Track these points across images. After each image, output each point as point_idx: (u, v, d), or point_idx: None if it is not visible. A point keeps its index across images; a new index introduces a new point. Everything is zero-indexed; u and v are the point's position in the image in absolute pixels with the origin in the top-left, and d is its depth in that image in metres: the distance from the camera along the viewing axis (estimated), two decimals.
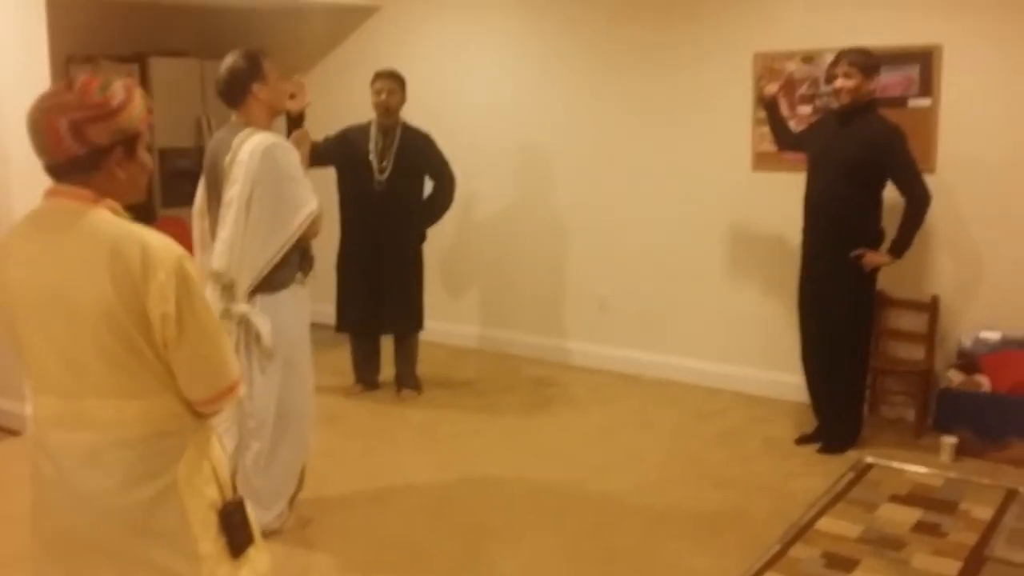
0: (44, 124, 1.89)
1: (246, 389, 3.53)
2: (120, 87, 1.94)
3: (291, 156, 3.72)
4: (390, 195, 5.47)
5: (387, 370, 5.88)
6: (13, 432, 5.14)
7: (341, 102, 6.37)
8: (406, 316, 5.70)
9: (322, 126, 5.46)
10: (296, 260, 3.79)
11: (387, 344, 5.82)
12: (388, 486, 4.47)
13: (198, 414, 2.02)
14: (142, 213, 6.79)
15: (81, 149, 1.89)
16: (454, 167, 5.66)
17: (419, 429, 5.25)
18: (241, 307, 3.64)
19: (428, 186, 5.69)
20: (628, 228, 6.15)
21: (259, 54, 3.77)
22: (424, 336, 5.94)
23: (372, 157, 5.47)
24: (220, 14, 7.63)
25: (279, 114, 3.95)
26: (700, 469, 4.68)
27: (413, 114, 5.66)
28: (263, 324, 3.64)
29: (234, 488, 2.09)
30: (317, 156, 5.20)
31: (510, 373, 6.30)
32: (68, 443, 1.95)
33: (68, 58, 6.88)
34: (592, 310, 6.36)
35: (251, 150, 3.59)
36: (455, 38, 6.70)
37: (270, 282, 3.68)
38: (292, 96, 4.14)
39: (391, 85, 5.46)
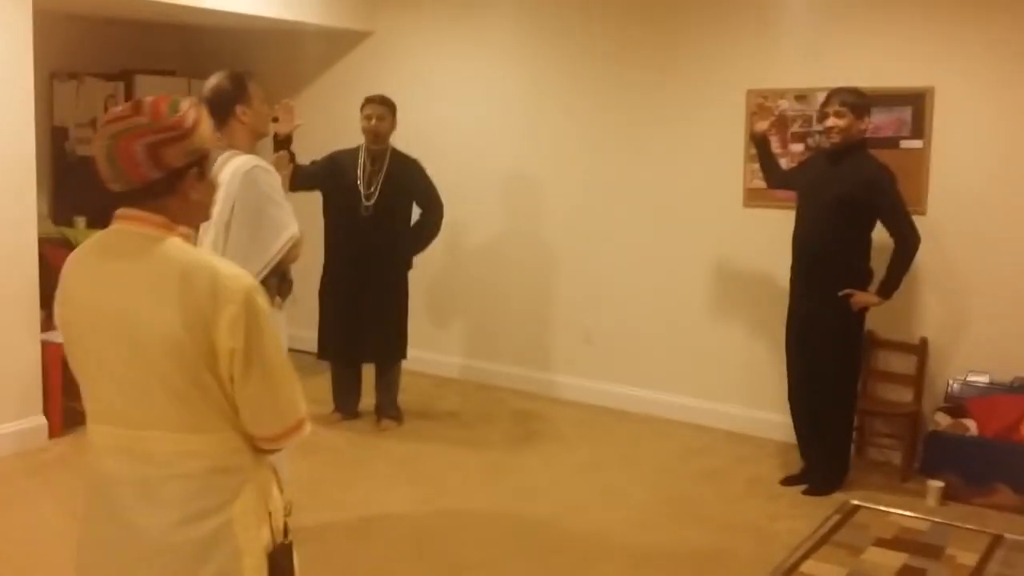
0: (119, 150, 1.81)
1: None
2: (188, 106, 1.88)
3: (272, 179, 3.69)
4: (377, 221, 5.41)
5: (367, 399, 5.79)
6: None
7: (330, 126, 6.32)
8: (389, 344, 5.62)
9: (311, 150, 5.41)
10: (275, 284, 3.73)
11: (368, 372, 5.74)
12: (366, 519, 4.38)
13: (260, 450, 1.95)
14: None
15: (158, 173, 1.83)
16: (444, 195, 5.62)
17: (399, 461, 5.16)
18: None
19: (416, 213, 5.64)
20: (616, 261, 6.11)
21: (244, 76, 3.76)
22: (407, 365, 5.86)
23: (360, 182, 5.41)
24: (208, 34, 7.58)
25: (262, 137, 3.92)
26: (684, 508, 4.61)
27: (403, 140, 5.62)
28: None
29: (285, 532, 2.00)
30: (303, 180, 5.16)
31: (494, 405, 6.22)
32: (124, 475, 1.87)
33: (52, 74, 6.83)
34: (578, 343, 6.31)
35: (232, 172, 3.56)
36: (447, 66, 6.67)
37: None
38: (275, 119, 4.08)
39: (381, 111, 5.42)
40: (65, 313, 1.93)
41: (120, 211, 1.89)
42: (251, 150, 3.75)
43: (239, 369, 1.83)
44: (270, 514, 1.96)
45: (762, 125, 4.94)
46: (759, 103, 5.03)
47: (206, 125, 1.90)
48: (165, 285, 1.81)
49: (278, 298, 3.79)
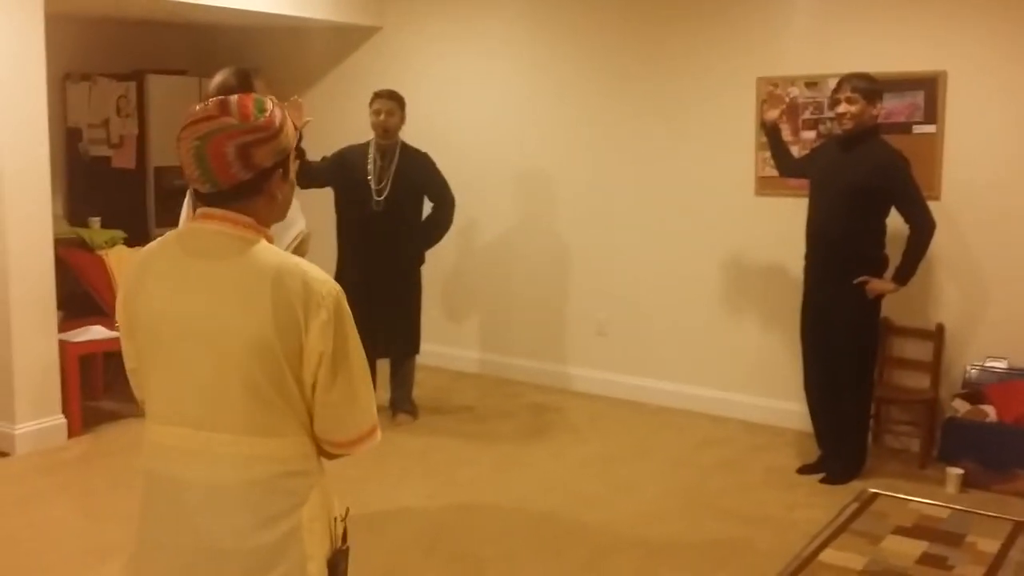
0: (210, 151, 1.79)
1: None
2: (273, 106, 1.87)
3: None
4: (388, 216, 5.41)
5: (382, 394, 5.79)
6: (3, 453, 5.06)
7: (340, 122, 6.33)
8: (403, 339, 5.62)
9: (321, 146, 5.42)
10: None
11: (383, 367, 5.74)
12: (381, 513, 4.37)
13: (327, 455, 1.94)
14: (135, 232, 6.69)
15: (248, 174, 1.82)
16: (456, 190, 5.61)
17: (414, 455, 5.16)
18: None
19: (427, 207, 5.64)
20: (629, 253, 6.09)
21: (250, 73, 3.77)
22: (422, 360, 5.87)
23: (370, 178, 5.41)
24: (219, 32, 7.60)
25: None
26: (700, 499, 4.59)
27: (413, 136, 5.61)
28: None
29: (344, 537, 1.99)
30: (314, 176, 5.16)
31: (509, 399, 6.22)
32: (191, 479, 1.83)
33: (65, 75, 6.86)
34: (592, 336, 6.29)
35: None
36: (456, 61, 6.66)
37: None
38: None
39: (390, 106, 5.42)
40: (138, 310, 1.89)
41: (204, 210, 1.86)
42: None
43: (325, 373, 1.82)
44: (334, 520, 1.95)
45: (773, 113, 4.91)
46: (770, 91, 5.00)
47: (290, 125, 1.89)
48: (257, 287, 1.79)
49: None
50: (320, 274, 1.85)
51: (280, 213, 1.96)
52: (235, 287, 1.81)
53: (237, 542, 1.82)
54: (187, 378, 1.83)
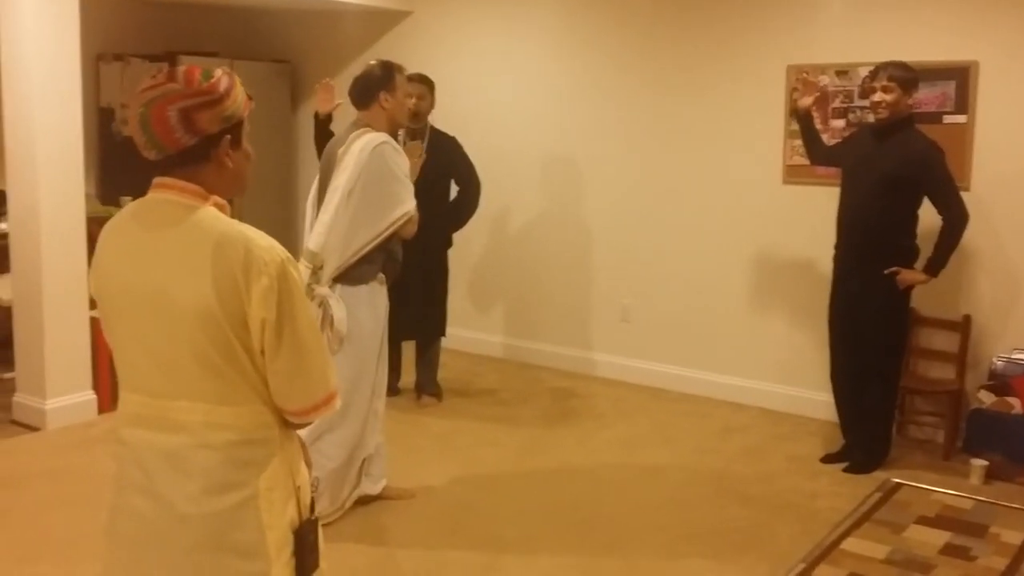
0: (153, 116, 1.81)
1: None
2: (222, 73, 1.88)
3: (400, 158, 3.98)
4: (416, 199, 5.41)
5: (408, 376, 5.84)
6: (34, 428, 5.14)
7: (352, 104, 6.34)
8: (429, 322, 5.66)
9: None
10: (380, 260, 4.02)
11: (409, 349, 5.78)
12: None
13: (289, 424, 1.95)
14: None
15: (192, 139, 1.83)
16: (483, 175, 5.63)
17: (438, 437, 5.20)
18: (323, 289, 3.82)
19: (453, 190, 5.66)
20: (654, 239, 6.09)
21: (395, 67, 4.08)
22: (447, 343, 5.90)
23: None
24: (251, 15, 7.65)
25: (400, 127, 4.31)
26: (724, 486, 4.61)
27: (443, 120, 5.63)
28: (339, 309, 3.80)
29: (312, 508, 2.01)
30: None
31: (532, 383, 6.24)
32: (151, 443, 1.88)
33: (98, 56, 6.92)
34: (616, 322, 6.31)
35: (363, 144, 3.86)
36: (487, 45, 6.67)
37: (352, 275, 3.90)
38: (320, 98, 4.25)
39: (420, 89, 5.43)
40: (100, 283, 1.94)
41: (156, 179, 1.89)
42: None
43: (270, 341, 1.83)
44: (297, 489, 1.95)
45: (806, 101, 4.87)
46: (802, 78, 4.97)
47: (239, 92, 1.89)
48: (198, 254, 1.81)
49: (381, 275, 4.05)
50: (266, 241, 1.85)
51: (235, 184, 1.94)
52: (179, 255, 1.82)
53: (193, 507, 1.85)
54: (144, 347, 1.87)
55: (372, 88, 4.00)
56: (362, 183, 3.82)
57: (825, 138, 5.13)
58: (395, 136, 4.18)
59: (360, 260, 3.89)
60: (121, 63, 6.92)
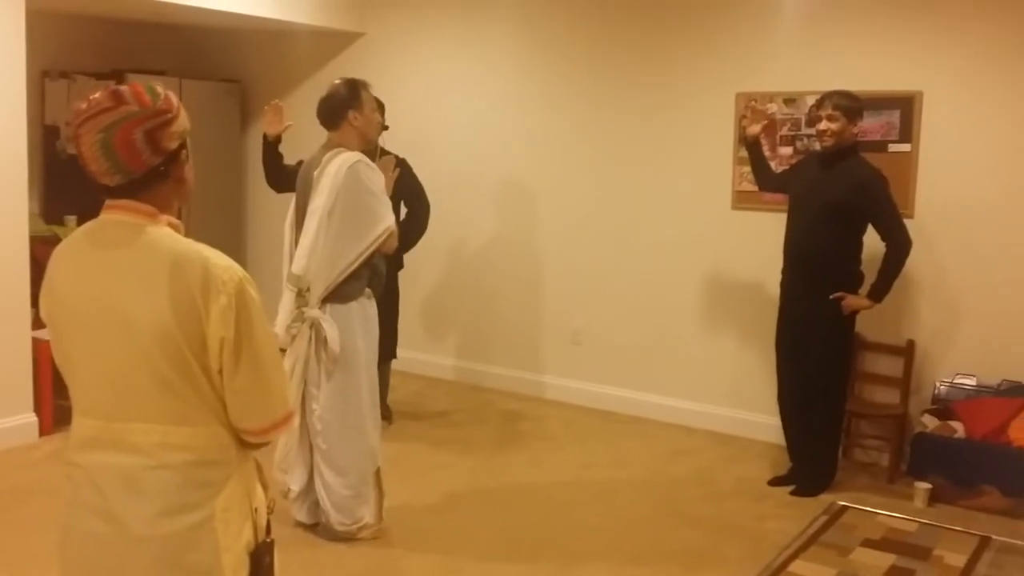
0: (117, 141, 1.80)
1: (315, 391, 3.92)
2: (164, 89, 1.89)
3: (375, 175, 3.99)
4: None
5: None
6: None
7: (321, 127, 6.30)
8: (379, 344, 5.60)
9: (300, 150, 5.37)
10: (366, 275, 4.06)
11: None
12: None
13: (247, 444, 1.93)
14: None
15: (157, 159, 1.84)
16: (435, 197, 5.62)
17: (389, 460, 5.11)
18: (313, 312, 3.89)
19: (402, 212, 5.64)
20: (606, 263, 6.13)
21: (359, 84, 4.09)
22: (397, 366, 5.87)
23: None
24: (200, 34, 7.59)
25: (370, 143, 4.31)
26: (673, 508, 4.63)
27: (394, 142, 5.61)
28: (331, 330, 3.89)
29: (268, 530, 1.99)
30: (292, 179, 5.15)
31: (483, 406, 6.23)
32: (106, 465, 1.86)
33: (43, 73, 6.82)
34: (567, 345, 6.32)
35: (338, 165, 3.88)
36: (439, 68, 6.68)
37: (341, 293, 3.94)
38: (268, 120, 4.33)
39: None
40: (52, 305, 1.92)
41: (109, 201, 1.88)
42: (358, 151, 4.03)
43: (228, 360, 1.83)
44: (254, 511, 1.94)
45: (755, 128, 4.96)
46: (751, 105, 5.05)
47: (182, 106, 1.92)
48: (155, 274, 1.80)
49: (369, 289, 4.10)
50: (223, 260, 1.85)
51: (188, 194, 1.96)
52: (135, 275, 1.82)
53: (149, 529, 1.83)
54: (100, 370, 1.85)
55: (339, 108, 4.03)
56: (341, 203, 3.86)
57: (774, 165, 5.22)
58: (371, 154, 4.22)
59: (348, 278, 3.93)
60: (67, 80, 6.82)
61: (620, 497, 4.76)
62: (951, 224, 5.03)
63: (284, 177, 4.89)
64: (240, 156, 7.58)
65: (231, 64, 7.64)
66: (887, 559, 4.09)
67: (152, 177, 1.85)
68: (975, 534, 4.37)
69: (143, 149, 1.81)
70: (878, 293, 4.61)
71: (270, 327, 1.90)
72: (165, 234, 1.85)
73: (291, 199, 4.24)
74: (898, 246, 4.57)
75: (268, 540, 1.97)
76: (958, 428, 4.76)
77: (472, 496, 4.70)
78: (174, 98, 1.88)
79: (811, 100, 5.13)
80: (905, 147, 5.08)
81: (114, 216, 1.87)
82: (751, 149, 5.00)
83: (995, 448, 4.63)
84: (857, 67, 5.17)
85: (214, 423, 1.87)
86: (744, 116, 5.15)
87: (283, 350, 4.00)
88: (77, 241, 1.91)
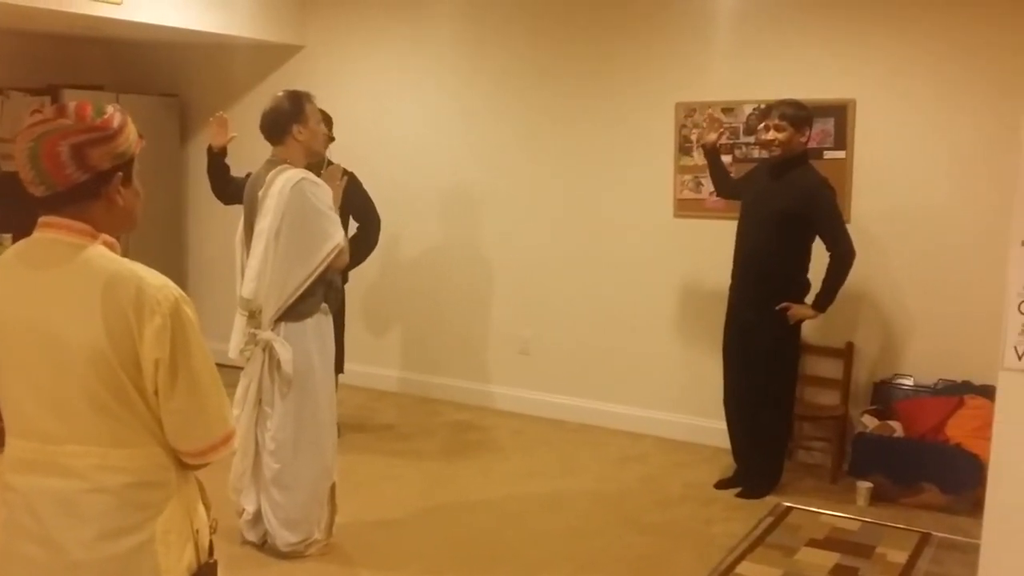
0: (43, 151, 1.76)
1: (268, 411, 3.86)
2: (114, 110, 1.85)
3: (321, 191, 3.89)
4: None
5: None
6: None
7: (264, 139, 6.26)
8: None
9: (245, 162, 5.33)
10: (321, 291, 3.98)
11: None
12: None
13: (186, 466, 1.90)
14: None
15: (83, 175, 1.78)
16: (381, 207, 5.58)
17: (338, 473, 5.12)
18: (266, 334, 3.84)
19: (352, 227, 5.62)
20: (552, 272, 6.17)
21: (303, 96, 3.97)
22: (344, 379, 5.82)
23: None
24: (138, 48, 7.49)
25: (316, 156, 4.22)
26: (622, 514, 4.67)
27: (337, 154, 5.59)
28: (284, 351, 3.83)
29: (211, 551, 1.96)
30: (238, 192, 5.11)
31: (431, 417, 6.22)
32: (42, 489, 1.82)
33: None
34: (515, 354, 6.34)
35: (282, 184, 3.79)
36: (380, 80, 6.68)
37: (295, 311, 3.88)
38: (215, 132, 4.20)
39: None
40: None
41: (42, 219, 1.84)
42: (304, 165, 3.95)
43: (164, 380, 1.80)
44: (196, 532, 1.92)
45: (711, 137, 5.00)
46: (709, 114, 5.09)
47: (131, 130, 1.87)
48: (88, 294, 1.77)
49: (324, 304, 4.03)
50: (158, 279, 1.83)
51: (125, 221, 1.91)
52: (68, 296, 1.79)
53: (88, 553, 1.81)
54: (33, 390, 1.83)
55: (283, 122, 3.92)
56: (287, 223, 3.79)
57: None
58: (317, 166, 4.16)
59: (301, 296, 3.87)
60: (1, 96, 6.69)
61: (571, 505, 4.78)
62: (886, 228, 5.14)
63: (232, 189, 4.85)
64: (180, 171, 7.49)
65: (169, 78, 7.55)
66: (831, 558, 4.16)
67: (80, 194, 1.80)
68: (916, 531, 4.47)
69: (67, 163, 1.77)
70: (822, 303, 4.68)
71: (207, 347, 1.87)
72: (99, 254, 1.82)
73: (235, 212, 4.19)
74: (841, 256, 4.62)
75: (211, 561, 1.95)
76: (897, 428, 4.87)
77: (422, 508, 4.70)
78: (119, 120, 1.84)
79: (748, 109, 5.22)
80: (840, 154, 5.19)
81: (48, 235, 1.83)
82: (709, 157, 5.05)
83: (933, 446, 4.74)
84: (793, 76, 5.27)
85: (152, 444, 1.85)
86: (697, 126, 5.20)
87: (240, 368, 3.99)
88: (9, 261, 1.87)
